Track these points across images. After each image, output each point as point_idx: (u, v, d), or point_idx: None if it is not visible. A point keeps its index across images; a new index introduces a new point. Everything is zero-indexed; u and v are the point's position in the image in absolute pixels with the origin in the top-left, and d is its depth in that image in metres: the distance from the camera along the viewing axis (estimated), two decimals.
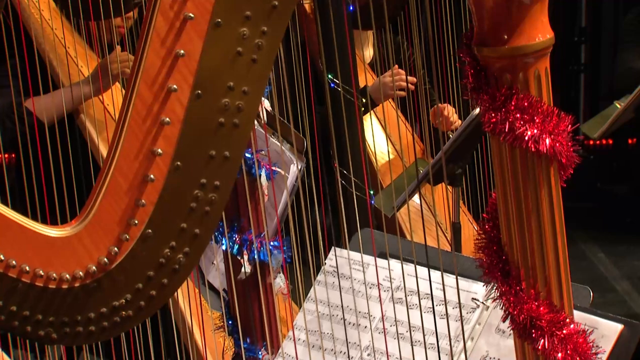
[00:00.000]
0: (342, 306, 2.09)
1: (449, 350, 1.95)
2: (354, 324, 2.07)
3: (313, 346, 2.09)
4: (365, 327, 2.06)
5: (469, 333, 1.96)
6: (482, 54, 1.29)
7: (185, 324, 2.90)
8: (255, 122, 1.97)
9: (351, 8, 3.23)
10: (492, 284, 1.39)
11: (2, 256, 1.28)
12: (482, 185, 3.75)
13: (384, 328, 2.03)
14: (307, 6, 3.78)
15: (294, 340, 2.11)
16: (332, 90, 3.12)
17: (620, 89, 4.49)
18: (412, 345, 1.95)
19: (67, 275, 1.32)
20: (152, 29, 1.28)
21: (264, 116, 2.08)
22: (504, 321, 1.40)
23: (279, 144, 2.20)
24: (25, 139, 2.71)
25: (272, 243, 2.11)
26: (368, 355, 2.03)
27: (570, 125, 1.30)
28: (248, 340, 2.13)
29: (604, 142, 6.61)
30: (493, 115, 1.28)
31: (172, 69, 1.29)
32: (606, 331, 1.81)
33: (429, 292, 1.93)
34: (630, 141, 6.70)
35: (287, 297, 2.29)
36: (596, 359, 1.40)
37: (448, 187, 3.45)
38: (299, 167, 2.32)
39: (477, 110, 2.68)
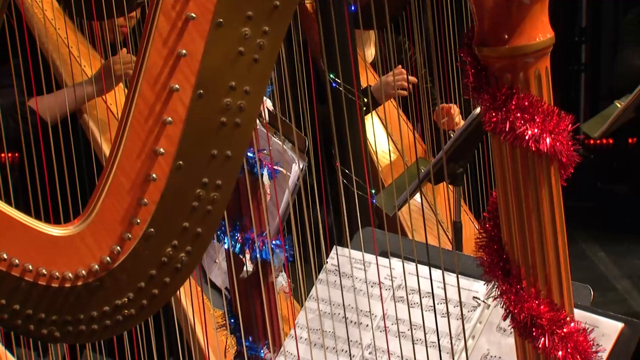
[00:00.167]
0: (343, 305, 2.09)
1: (450, 348, 1.95)
2: (355, 323, 2.08)
3: (315, 344, 2.10)
4: (367, 325, 2.07)
5: (470, 331, 1.96)
6: (483, 53, 1.29)
7: (188, 322, 2.90)
8: (257, 121, 1.98)
9: (353, 8, 3.24)
10: (493, 282, 1.39)
11: (5, 255, 1.29)
12: (483, 184, 3.75)
13: (385, 326, 2.04)
14: (308, 6, 3.79)
15: (296, 338, 2.11)
16: (333, 89, 3.12)
17: (621, 88, 4.49)
18: (413, 343, 1.96)
19: (70, 274, 1.31)
20: (155, 29, 1.28)
21: (265, 115, 2.09)
22: (504, 320, 1.40)
23: (280, 143, 2.21)
24: (28, 138, 2.71)
25: (274, 242, 2.12)
26: (369, 353, 2.03)
27: (570, 125, 1.30)
28: (250, 339, 2.14)
29: (604, 141, 6.61)
30: (494, 114, 1.29)
31: (174, 68, 1.29)
32: (606, 330, 1.81)
33: (430, 291, 1.94)
34: (630, 140, 6.70)
35: (288, 295, 2.30)
36: (596, 357, 1.40)
37: (449, 186, 3.45)
38: (301, 166, 2.32)
39: (478, 110, 2.69)
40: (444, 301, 1.97)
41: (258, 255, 2.10)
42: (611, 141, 6.68)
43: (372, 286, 2.10)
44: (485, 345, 1.94)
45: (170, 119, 1.30)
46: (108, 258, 1.32)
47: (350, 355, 2.04)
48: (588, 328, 1.41)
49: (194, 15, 1.27)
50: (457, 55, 1.47)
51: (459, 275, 1.79)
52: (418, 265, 1.93)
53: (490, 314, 1.97)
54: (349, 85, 3.13)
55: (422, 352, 1.94)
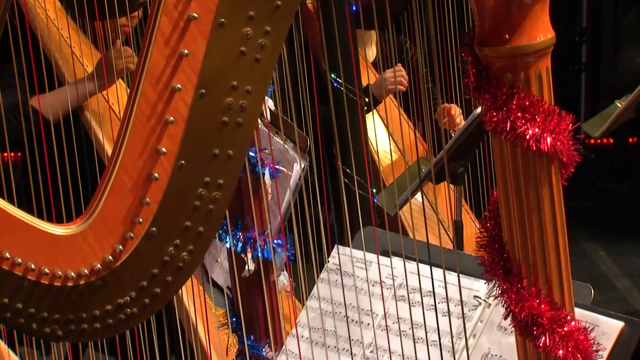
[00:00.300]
0: (344, 304, 2.09)
1: (451, 347, 1.95)
2: (356, 322, 2.08)
3: (316, 343, 2.10)
4: (368, 324, 2.07)
5: (471, 330, 1.97)
6: (484, 53, 1.29)
7: (190, 321, 2.91)
8: (259, 121, 1.98)
9: (354, 8, 3.24)
10: (494, 281, 1.40)
11: (7, 254, 1.29)
12: (484, 183, 3.76)
13: (386, 325, 2.04)
14: (310, 5, 3.79)
15: (297, 337, 2.11)
16: (335, 89, 3.12)
17: (621, 88, 4.49)
18: (414, 342, 1.96)
19: (72, 273, 1.32)
20: (157, 29, 1.28)
21: (267, 115, 2.09)
22: (505, 319, 1.40)
23: (282, 142, 2.21)
24: (31, 138, 2.71)
25: (275, 241, 2.12)
26: (370, 352, 2.04)
27: (571, 124, 1.30)
28: (252, 338, 2.14)
29: (604, 141, 6.62)
30: (494, 114, 1.29)
31: (176, 68, 1.29)
32: (607, 329, 1.81)
33: (431, 290, 1.94)
34: (630, 140, 6.71)
35: (290, 294, 2.30)
36: (597, 356, 1.40)
37: (450, 185, 3.46)
38: (302, 166, 2.33)
39: (479, 110, 2.69)
40: (445, 300, 1.97)
41: (260, 254, 2.10)
42: (611, 141, 6.69)
43: (373, 285, 2.11)
44: (486, 344, 1.95)
45: (172, 118, 1.30)
46: (110, 257, 1.33)
47: (351, 354, 2.04)
48: (588, 327, 1.41)
49: (196, 15, 1.28)
50: (458, 55, 1.48)
51: (460, 274, 1.79)
52: (419, 264, 1.93)
53: (491, 313, 1.97)
54: (350, 84, 3.14)
55: (423, 351, 1.94)
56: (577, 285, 1.86)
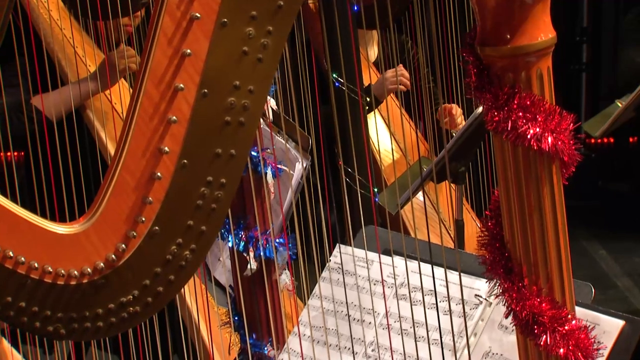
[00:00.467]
0: (346, 302, 2.10)
1: (452, 346, 1.96)
2: (358, 320, 2.08)
3: (318, 342, 2.10)
4: (370, 323, 2.07)
5: (472, 329, 1.97)
6: (485, 53, 1.29)
7: (192, 320, 2.91)
8: (261, 120, 1.98)
9: (356, 7, 3.25)
10: (495, 280, 1.40)
11: (11, 253, 1.29)
12: (485, 183, 3.76)
13: (387, 324, 2.04)
14: (312, 5, 3.79)
15: (299, 336, 2.12)
16: (336, 89, 3.13)
17: (621, 88, 4.50)
18: (415, 341, 1.96)
19: (75, 272, 1.32)
20: (159, 29, 1.28)
21: (269, 115, 2.10)
22: (506, 317, 1.40)
23: (284, 142, 2.22)
24: (34, 137, 2.72)
25: (277, 240, 2.13)
26: (372, 350, 2.04)
27: (572, 124, 1.30)
28: (254, 336, 2.15)
29: (605, 140, 6.61)
30: (496, 113, 1.29)
31: (179, 68, 1.29)
32: (608, 327, 1.82)
33: (433, 289, 1.94)
34: (631, 140, 6.71)
35: (292, 293, 2.31)
36: (598, 354, 1.40)
37: (451, 184, 3.46)
38: (304, 165, 2.33)
39: (480, 109, 2.69)
40: (446, 299, 1.97)
41: (262, 253, 2.11)
42: (612, 140, 6.69)
43: (374, 284, 2.11)
44: (487, 342, 1.95)
45: (174, 118, 1.30)
46: (113, 256, 1.33)
47: (353, 352, 2.05)
48: (589, 326, 1.41)
49: (199, 15, 1.28)
50: (460, 54, 1.48)
51: (461, 273, 1.80)
52: (420, 263, 1.93)
53: (492, 312, 1.97)
54: (352, 84, 3.14)
55: (425, 350, 1.95)
56: (577, 284, 1.86)
